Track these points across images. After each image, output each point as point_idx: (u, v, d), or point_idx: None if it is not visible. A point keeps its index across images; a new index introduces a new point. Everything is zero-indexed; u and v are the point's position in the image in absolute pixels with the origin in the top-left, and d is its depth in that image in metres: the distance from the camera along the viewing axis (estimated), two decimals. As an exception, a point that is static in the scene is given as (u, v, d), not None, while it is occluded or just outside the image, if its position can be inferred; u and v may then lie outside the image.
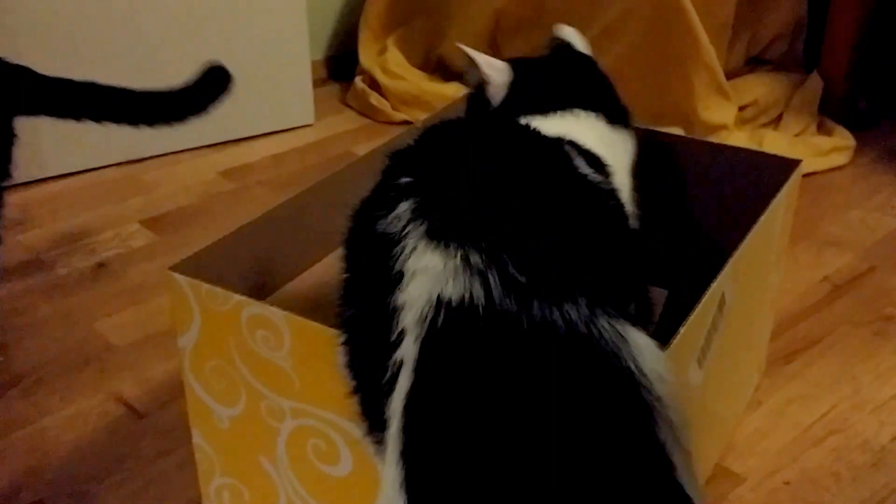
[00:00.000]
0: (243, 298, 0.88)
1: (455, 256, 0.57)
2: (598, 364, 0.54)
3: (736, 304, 0.98)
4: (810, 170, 1.84)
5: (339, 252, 1.16)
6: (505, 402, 0.53)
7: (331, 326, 0.83)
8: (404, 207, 0.63)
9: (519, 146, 0.74)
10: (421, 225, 0.61)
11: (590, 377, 0.54)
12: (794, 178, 1.12)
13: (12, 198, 1.76)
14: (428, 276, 0.58)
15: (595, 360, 0.54)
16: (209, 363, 0.94)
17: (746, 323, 1.10)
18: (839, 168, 1.88)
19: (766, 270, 1.12)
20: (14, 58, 1.34)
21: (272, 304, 0.88)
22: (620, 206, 0.76)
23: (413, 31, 2.20)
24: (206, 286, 0.90)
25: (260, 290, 1.07)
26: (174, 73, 1.93)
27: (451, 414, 0.54)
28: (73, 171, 1.85)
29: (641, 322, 0.59)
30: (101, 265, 1.56)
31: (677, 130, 1.80)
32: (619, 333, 0.55)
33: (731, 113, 1.88)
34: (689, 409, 0.60)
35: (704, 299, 0.85)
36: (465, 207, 0.61)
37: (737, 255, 0.93)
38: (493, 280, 0.55)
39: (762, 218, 1.00)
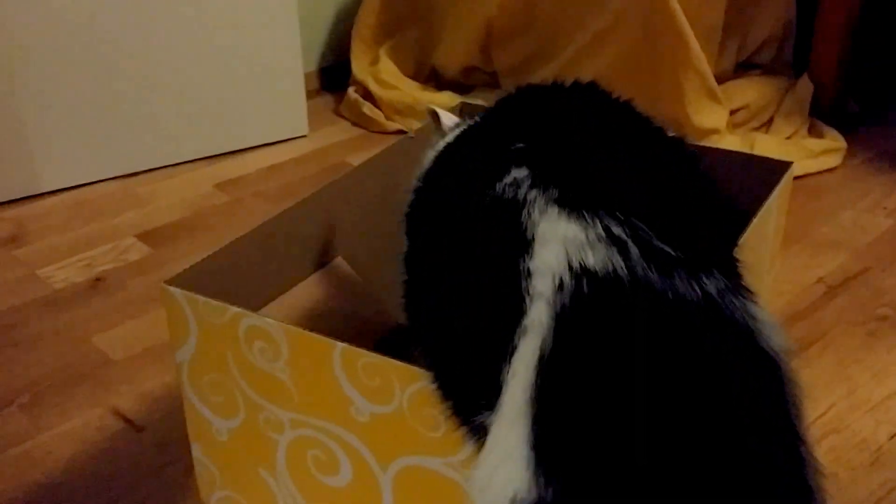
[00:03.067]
0: (240, 310, 0.89)
1: (595, 226, 0.57)
2: (736, 339, 0.55)
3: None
4: (802, 172, 1.85)
5: (340, 260, 1.18)
6: (648, 372, 0.53)
7: (328, 336, 0.84)
8: (521, 174, 0.62)
9: (607, 111, 0.74)
10: (549, 191, 0.60)
11: (729, 352, 0.54)
12: (786, 180, 1.12)
13: (7, 213, 1.76)
14: (565, 244, 0.57)
15: (733, 334, 0.55)
16: (207, 376, 0.95)
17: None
18: (831, 170, 1.89)
19: (760, 273, 1.12)
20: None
21: (269, 316, 0.88)
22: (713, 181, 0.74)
23: (405, 41, 2.21)
24: (202, 299, 0.90)
25: (256, 302, 1.07)
26: (168, 86, 1.95)
27: (592, 381, 0.55)
28: (68, 186, 1.86)
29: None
30: (97, 279, 1.56)
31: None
32: (747, 308, 0.56)
33: (723, 117, 1.89)
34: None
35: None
36: (594, 176, 0.61)
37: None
38: (633, 250, 0.55)
39: (755, 220, 1.00)
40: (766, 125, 1.99)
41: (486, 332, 0.63)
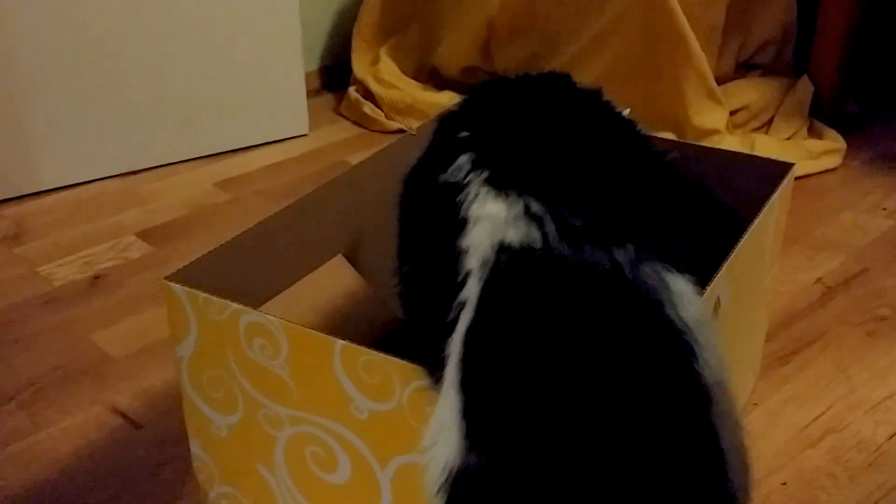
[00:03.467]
0: (240, 307, 0.89)
1: (517, 204, 0.62)
2: (640, 305, 0.59)
3: (731, 308, 0.99)
4: (802, 173, 1.85)
5: (341, 257, 1.18)
6: (555, 337, 0.58)
7: (328, 334, 0.84)
8: (464, 159, 0.67)
9: (565, 100, 0.78)
10: (482, 174, 0.65)
11: (632, 317, 0.58)
12: (788, 181, 1.13)
13: (7, 211, 1.77)
14: (490, 222, 0.62)
15: (637, 301, 0.59)
16: (206, 372, 0.95)
17: (741, 326, 1.10)
18: (831, 171, 1.89)
19: (760, 273, 1.13)
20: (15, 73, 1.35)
21: (269, 313, 0.88)
22: (668, 162, 0.78)
23: (406, 41, 2.21)
24: (202, 295, 0.90)
25: (256, 299, 1.07)
26: (168, 84, 1.95)
27: (507, 346, 0.59)
28: (68, 183, 1.86)
29: (690, 270, 0.64)
30: (97, 277, 1.56)
31: (669, 135, 1.81)
32: (662, 279, 0.60)
33: (723, 118, 1.89)
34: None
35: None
36: (523, 159, 0.66)
37: (731, 258, 0.93)
38: (549, 225, 0.60)
39: (756, 221, 1.00)
40: (766, 126, 1.99)
41: (436, 311, 0.67)
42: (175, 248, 1.65)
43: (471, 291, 0.63)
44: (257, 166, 1.94)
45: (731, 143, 1.88)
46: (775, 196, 1.07)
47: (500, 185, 0.64)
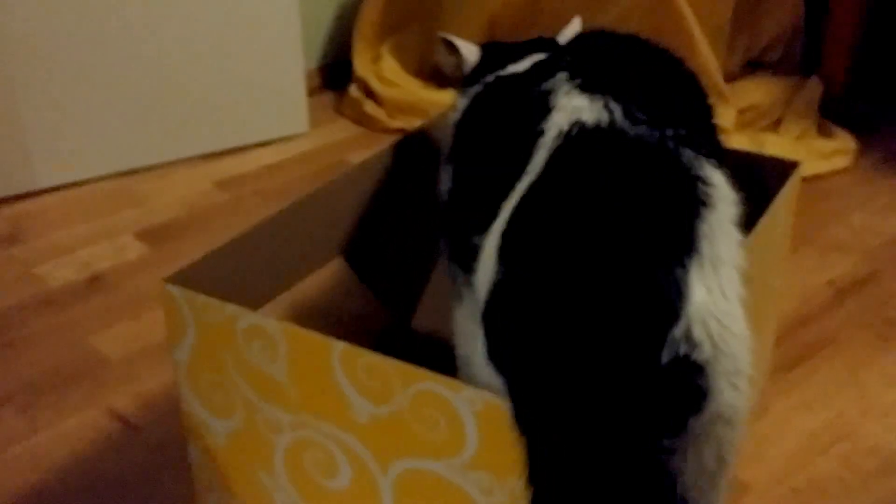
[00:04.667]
0: (239, 309, 0.86)
1: (598, 100, 0.77)
2: (676, 167, 0.73)
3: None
4: (812, 173, 1.82)
5: (339, 260, 1.16)
6: (605, 187, 0.72)
7: (327, 335, 0.82)
8: (563, 75, 0.81)
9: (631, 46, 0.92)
10: (575, 79, 0.80)
11: (667, 173, 0.73)
12: (794, 180, 1.10)
13: (3, 211, 1.74)
14: (573, 110, 0.77)
15: (673, 163, 0.74)
16: (204, 375, 0.92)
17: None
18: (841, 171, 1.86)
19: (768, 274, 1.10)
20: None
21: (268, 315, 0.86)
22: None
23: (408, 38, 2.18)
24: (200, 297, 0.88)
25: (255, 301, 1.05)
26: (168, 82, 1.92)
27: (556, 208, 0.74)
28: (65, 183, 1.83)
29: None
30: (94, 278, 1.54)
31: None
32: (695, 156, 0.74)
33: (730, 117, 1.86)
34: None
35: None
36: (606, 75, 0.81)
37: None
38: (618, 112, 0.75)
39: (763, 220, 0.98)
40: (775, 125, 1.96)
41: (500, 179, 0.80)
42: (173, 249, 1.62)
43: (538, 161, 0.77)
44: (257, 165, 1.92)
45: (739, 142, 1.86)
46: (781, 195, 1.05)
47: (590, 88, 0.78)
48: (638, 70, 0.84)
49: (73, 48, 1.76)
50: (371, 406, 0.83)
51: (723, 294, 0.70)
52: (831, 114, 1.98)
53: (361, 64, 2.17)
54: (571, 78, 0.80)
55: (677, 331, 0.68)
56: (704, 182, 0.73)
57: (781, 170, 1.12)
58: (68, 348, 1.36)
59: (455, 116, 0.99)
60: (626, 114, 0.75)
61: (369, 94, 2.12)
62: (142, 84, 1.85)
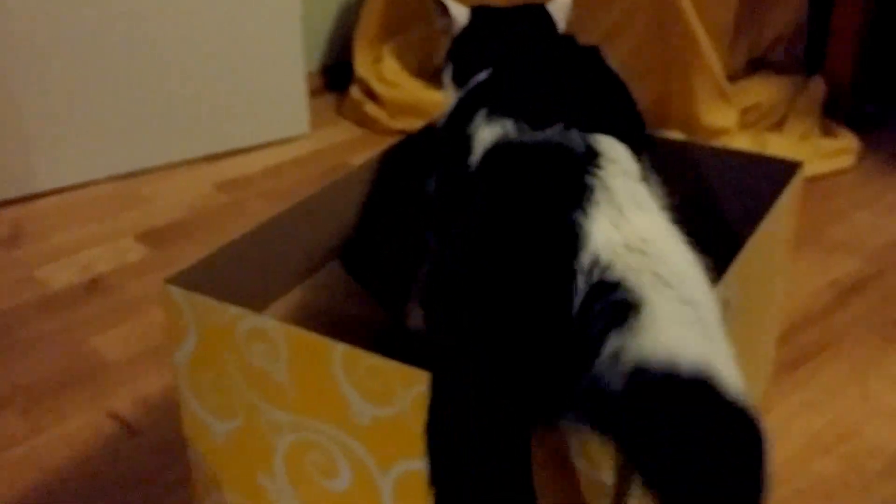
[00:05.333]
0: (240, 310, 0.86)
1: (497, 123, 0.88)
2: (563, 155, 0.82)
3: (741, 310, 0.96)
4: (815, 172, 1.82)
5: (338, 262, 1.16)
6: (510, 178, 0.83)
7: (327, 336, 0.81)
8: (482, 113, 0.91)
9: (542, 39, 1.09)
10: (488, 113, 0.91)
11: (553, 160, 0.82)
12: (797, 180, 1.10)
13: (4, 213, 1.74)
14: (483, 141, 0.88)
15: (561, 153, 0.82)
16: (205, 377, 0.92)
17: (752, 328, 1.07)
18: (844, 171, 1.86)
19: (770, 275, 1.10)
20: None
21: (269, 317, 0.86)
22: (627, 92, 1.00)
23: (409, 40, 2.18)
24: (201, 298, 0.88)
25: (257, 302, 1.04)
26: (168, 84, 1.92)
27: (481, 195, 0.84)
28: (66, 185, 1.83)
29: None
30: (95, 280, 1.54)
31: (677, 135, 1.79)
32: (585, 139, 0.83)
33: (733, 116, 1.86)
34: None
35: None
36: (515, 97, 0.92)
37: (739, 259, 0.90)
38: (511, 128, 0.87)
39: (765, 220, 0.97)
40: (778, 125, 1.95)
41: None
42: (174, 252, 1.62)
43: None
44: (258, 168, 1.92)
45: (742, 142, 1.85)
46: (784, 195, 1.04)
47: (493, 115, 0.89)
48: (548, 84, 0.95)
49: (75, 50, 1.76)
50: (372, 408, 0.82)
51: (633, 228, 0.76)
52: (835, 113, 1.98)
53: (362, 65, 2.16)
54: (487, 114, 0.91)
55: (585, 260, 0.73)
56: (592, 151, 0.82)
57: (784, 170, 1.12)
58: (69, 351, 1.36)
59: (441, 121, 1.03)
60: (519, 128, 0.87)
61: (370, 95, 2.12)
62: (143, 86, 1.85)
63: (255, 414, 0.90)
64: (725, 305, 0.89)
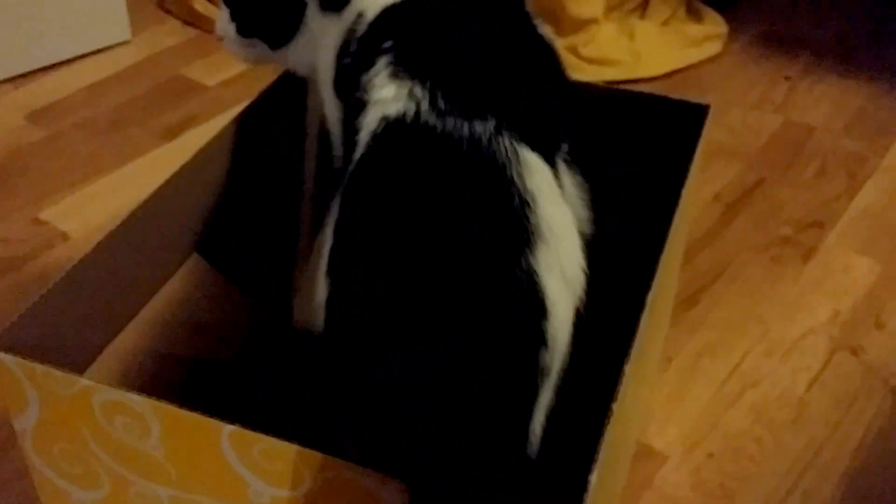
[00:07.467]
0: (91, 384, 0.70)
1: (403, 87, 0.70)
2: (488, 170, 0.68)
3: (658, 297, 0.88)
4: (684, 63, 1.74)
5: (196, 258, 0.99)
6: (407, 188, 0.68)
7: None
8: (382, 61, 0.73)
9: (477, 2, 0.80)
10: (390, 64, 0.73)
11: (477, 178, 0.67)
12: (706, 130, 1.00)
13: None
14: (382, 104, 0.71)
15: (486, 166, 0.68)
16: (57, 446, 0.76)
17: (664, 300, 1.00)
18: (713, 59, 1.78)
19: (679, 238, 1.01)
20: None
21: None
22: (558, 61, 0.82)
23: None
24: (41, 368, 0.71)
25: (113, 325, 0.88)
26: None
27: (368, 196, 0.70)
28: None
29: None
30: None
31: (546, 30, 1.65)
32: (515, 151, 0.68)
33: (599, 4, 1.73)
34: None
35: (639, 331, 0.73)
36: (420, 52, 0.73)
37: (662, 260, 0.81)
38: (423, 103, 0.69)
39: (680, 203, 0.88)
40: (642, 7, 1.84)
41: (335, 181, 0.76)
42: (-13, 208, 1.38)
43: (356, 156, 0.71)
44: (74, 88, 1.64)
45: (608, 31, 1.74)
46: (696, 157, 0.95)
47: (397, 74, 0.71)
48: (470, 40, 0.75)
49: None
50: (274, 489, 0.70)
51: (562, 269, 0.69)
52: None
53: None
54: (392, 65, 0.73)
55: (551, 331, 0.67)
56: (521, 185, 0.68)
57: (691, 112, 1.02)
58: None
59: (332, 43, 0.84)
60: (432, 104, 0.69)
61: (197, -14, 1.85)
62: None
63: (126, 485, 0.76)
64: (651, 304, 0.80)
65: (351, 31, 0.81)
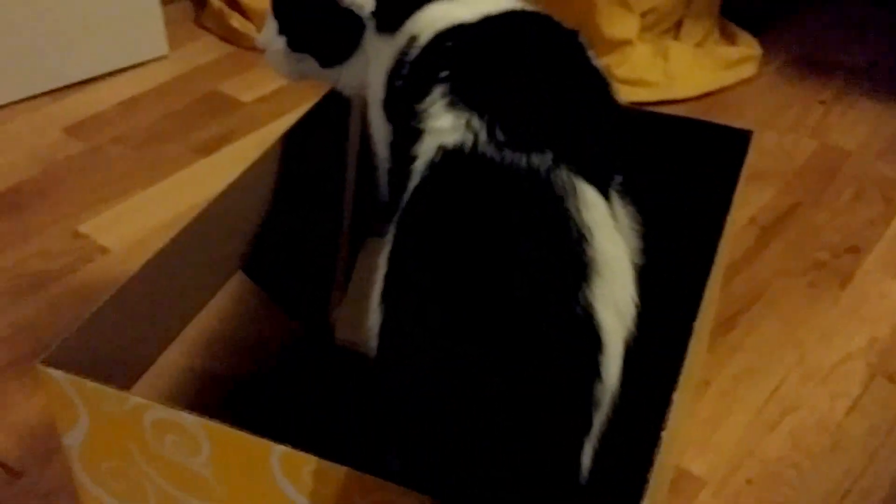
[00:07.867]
0: (143, 402, 0.71)
1: (461, 118, 0.70)
2: (546, 202, 0.68)
3: (702, 325, 0.87)
4: (718, 86, 1.74)
5: (240, 274, 1.00)
6: (465, 219, 0.67)
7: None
8: (438, 91, 0.72)
9: (536, 37, 0.81)
10: (445, 97, 0.72)
11: (535, 211, 0.67)
12: (748, 160, 1.01)
13: None
14: (439, 133, 0.70)
15: (544, 199, 0.68)
16: (106, 464, 0.77)
17: (705, 325, 1.00)
18: (747, 81, 1.78)
19: (721, 264, 1.01)
20: None
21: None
22: (611, 93, 0.81)
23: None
24: (91, 385, 0.72)
25: (159, 343, 0.89)
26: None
27: (426, 226, 0.69)
28: None
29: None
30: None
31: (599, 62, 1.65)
32: (573, 184, 0.68)
33: (634, 25, 1.74)
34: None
35: (687, 358, 0.73)
36: (477, 83, 0.73)
37: (708, 287, 0.81)
38: (482, 134, 0.68)
39: (725, 231, 0.88)
40: (676, 28, 1.84)
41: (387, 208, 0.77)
42: (26, 221, 1.39)
43: (410, 188, 0.71)
44: (112, 102, 1.66)
45: (643, 52, 1.74)
46: (740, 185, 0.95)
47: (454, 104, 0.71)
48: (525, 71, 0.75)
49: None
50: (325, 512, 0.70)
51: (616, 302, 0.69)
52: (732, 13, 1.88)
53: (219, -33, 1.90)
54: (449, 94, 0.73)
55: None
56: (581, 219, 0.68)
57: (735, 138, 1.03)
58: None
59: (384, 64, 0.84)
60: (490, 135, 0.69)
61: (234, 4, 1.87)
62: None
63: (170, 503, 0.77)
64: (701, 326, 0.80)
65: (403, 53, 0.81)
